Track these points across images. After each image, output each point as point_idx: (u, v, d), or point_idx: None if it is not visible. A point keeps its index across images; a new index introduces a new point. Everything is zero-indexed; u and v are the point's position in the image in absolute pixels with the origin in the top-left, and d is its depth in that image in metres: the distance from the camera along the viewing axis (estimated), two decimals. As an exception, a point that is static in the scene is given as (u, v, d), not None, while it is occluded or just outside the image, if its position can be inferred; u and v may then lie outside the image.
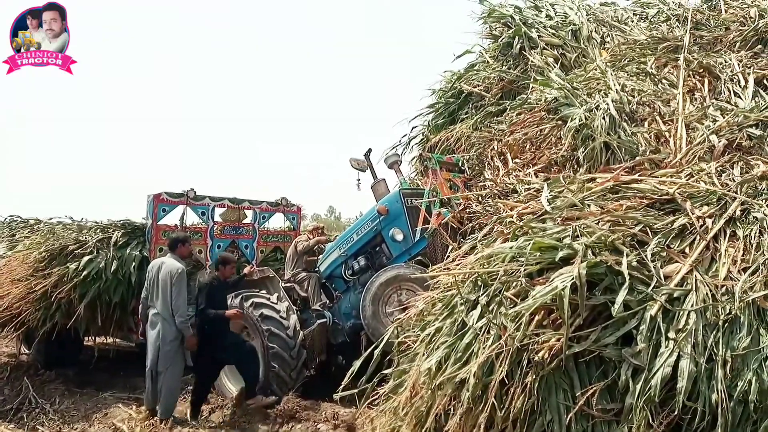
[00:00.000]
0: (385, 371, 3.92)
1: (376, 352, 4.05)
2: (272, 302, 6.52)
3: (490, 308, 3.24)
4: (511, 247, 3.49)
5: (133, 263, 7.44)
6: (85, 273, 7.11)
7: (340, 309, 6.71)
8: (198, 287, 5.88)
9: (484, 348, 3.07)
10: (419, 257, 6.10)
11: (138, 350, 7.51)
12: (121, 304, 7.38)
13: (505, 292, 3.25)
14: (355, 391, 3.88)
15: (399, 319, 4.21)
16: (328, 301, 6.89)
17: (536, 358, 2.90)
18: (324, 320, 6.57)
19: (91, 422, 6.07)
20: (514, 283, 3.25)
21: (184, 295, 5.68)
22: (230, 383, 6.44)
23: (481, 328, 3.20)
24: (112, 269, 7.26)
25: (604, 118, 5.03)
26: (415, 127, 8.79)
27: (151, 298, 5.75)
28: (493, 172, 5.79)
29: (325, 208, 47.15)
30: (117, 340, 8.78)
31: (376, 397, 3.78)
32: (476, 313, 3.30)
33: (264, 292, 6.73)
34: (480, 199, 5.38)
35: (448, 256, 4.23)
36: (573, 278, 2.97)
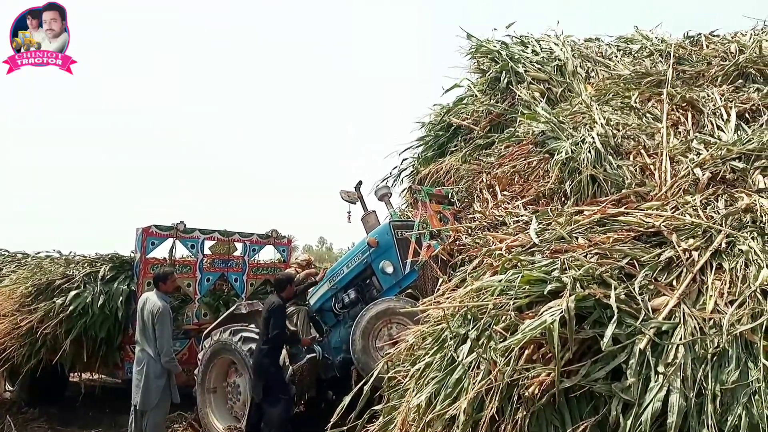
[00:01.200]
0: (376, 407, 3.87)
1: (366, 387, 4.00)
2: (261, 336, 6.43)
3: (480, 342, 3.22)
4: (500, 281, 3.49)
5: (121, 297, 7.38)
6: (71, 308, 7.03)
7: (330, 343, 6.63)
8: (269, 310, 5.73)
9: (474, 383, 3.05)
10: (409, 290, 6.07)
11: (124, 386, 7.37)
12: (108, 340, 7.29)
13: (494, 326, 3.23)
14: (345, 428, 3.82)
15: (389, 353, 4.18)
16: (318, 335, 6.82)
17: (527, 393, 2.88)
18: (314, 355, 6.47)
19: (74, 462, 5.93)
20: (504, 317, 3.24)
21: (168, 334, 5.61)
22: (217, 421, 6.32)
23: (471, 363, 3.18)
24: (99, 304, 7.19)
25: (589, 152, 5.09)
26: (405, 159, 8.88)
27: (138, 333, 5.67)
28: (482, 204, 5.82)
29: (316, 238, 47.07)
30: (103, 376, 8.63)
31: (366, 434, 3.72)
32: (466, 347, 3.28)
33: (253, 326, 6.64)
34: (469, 231, 5.38)
35: (438, 289, 4.22)
36: (562, 312, 2.97)
